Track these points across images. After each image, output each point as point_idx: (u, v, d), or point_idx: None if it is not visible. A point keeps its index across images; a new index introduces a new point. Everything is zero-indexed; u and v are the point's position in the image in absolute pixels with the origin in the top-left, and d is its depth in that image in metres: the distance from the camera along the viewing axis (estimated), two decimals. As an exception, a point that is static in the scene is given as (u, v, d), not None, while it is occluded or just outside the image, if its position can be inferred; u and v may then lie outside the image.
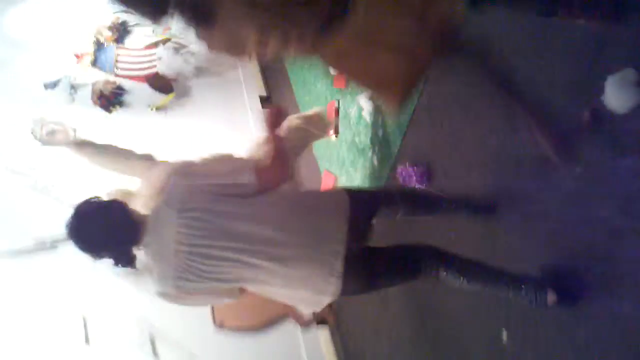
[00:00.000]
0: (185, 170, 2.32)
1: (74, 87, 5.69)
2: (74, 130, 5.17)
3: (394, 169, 3.42)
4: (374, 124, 3.75)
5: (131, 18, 6.60)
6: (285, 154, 2.31)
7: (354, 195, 2.33)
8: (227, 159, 2.39)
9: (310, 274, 2.11)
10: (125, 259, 2.26)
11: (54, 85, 5.57)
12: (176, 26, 6.57)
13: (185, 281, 2.13)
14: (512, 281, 2.19)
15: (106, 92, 5.63)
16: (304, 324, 3.43)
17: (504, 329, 2.50)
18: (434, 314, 3.12)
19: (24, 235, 4.31)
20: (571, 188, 2.11)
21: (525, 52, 2.36)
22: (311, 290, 2.15)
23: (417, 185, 3.08)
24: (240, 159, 2.39)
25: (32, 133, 5.02)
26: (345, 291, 2.15)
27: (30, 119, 5.07)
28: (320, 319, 4.22)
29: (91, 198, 2.33)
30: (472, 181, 2.73)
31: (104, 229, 2.21)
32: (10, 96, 5.39)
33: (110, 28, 6.38)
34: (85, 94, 5.68)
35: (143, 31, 6.52)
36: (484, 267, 2.29)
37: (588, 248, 2.05)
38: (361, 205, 2.31)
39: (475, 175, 2.71)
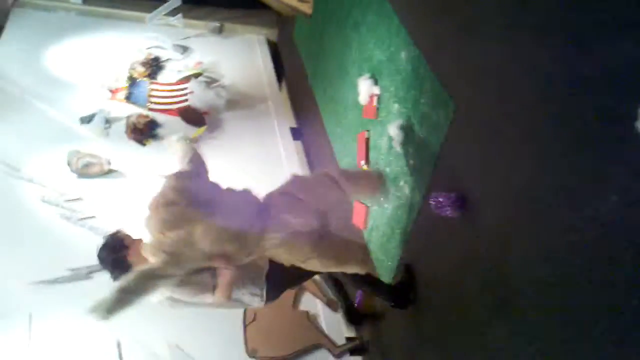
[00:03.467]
0: None
1: (108, 121, 5.82)
2: (109, 163, 5.32)
3: (426, 198, 3.42)
4: (405, 154, 3.75)
5: (163, 54, 6.78)
6: None
7: None
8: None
9: None
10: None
11: (89, 119, 5.71)
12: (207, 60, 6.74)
13: None
14: None
15: (140, 126, 5.74)
16: (338, 354, 3.43)
17: None
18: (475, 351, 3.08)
19: (60, 265, 4.38)
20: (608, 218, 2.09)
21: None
22: None
23: (450, 214, 3.05)
24: None
25: (68, 165, 5.18)
26: None
27: (66, 152, 5.24)
28: (353, 349, 4.21)
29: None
30: (506, 211, 2.71)
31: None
32: (47, 130, 5.55)
33: (143, 64, 6.55)
34: (120, 127, 5.81)
35: (175, 66, 6.68)
36: None
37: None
38: None
39: (509, 206, 2.70)
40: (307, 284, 4.61)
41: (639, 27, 1.92)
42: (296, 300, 4.56)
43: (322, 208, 3.35)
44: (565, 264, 2.20)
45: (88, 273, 4.36)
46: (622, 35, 1.98)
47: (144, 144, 5.71)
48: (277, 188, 3.31)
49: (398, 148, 3.81)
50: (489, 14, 2.90)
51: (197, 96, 6.20)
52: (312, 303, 4.61)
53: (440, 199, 3.08)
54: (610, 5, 2.06)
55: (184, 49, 7.00)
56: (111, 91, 6.24)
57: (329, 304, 4.59)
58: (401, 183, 3.76)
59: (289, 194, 3.26)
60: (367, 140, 4.33)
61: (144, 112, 6.07)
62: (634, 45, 1.92)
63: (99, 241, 2.95)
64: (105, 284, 4.26)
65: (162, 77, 6.56)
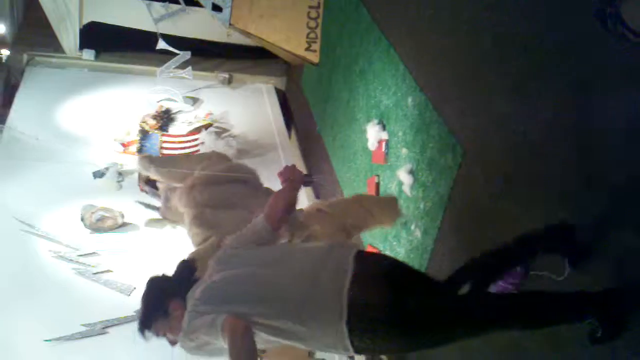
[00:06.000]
0: None
1: (121, 175, 5.87)
2: (122, 216, 5.35)
3: (437, 241, 3.43)
4: (415, 198, 3.77)
5: (174, 106, 6.88)
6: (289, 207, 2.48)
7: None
8: None
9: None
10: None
11: (101, 174, 5.76)
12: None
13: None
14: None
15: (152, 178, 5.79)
16: None
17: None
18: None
19: (75, 321, 4.37)
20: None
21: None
22: None
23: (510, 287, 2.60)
24: None
25: (81, 220, 5.22)
26: None
27: (80, 206, 5.28)
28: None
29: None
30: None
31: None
32: (61, 185, 5.60)
33: (154, 117, 6.64)
34: (132, 180, 5.86)
35: (186, 118, 6.77)
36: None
37: None
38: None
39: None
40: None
41: None
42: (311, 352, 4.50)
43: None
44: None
45: (103, 328, 4.35)
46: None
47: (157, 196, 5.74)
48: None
49: (408, 192, 3.83)
50: (493, 62, 2.95)
51: (208, 147, 6.26)
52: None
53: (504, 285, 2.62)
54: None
55: (194, 101, 7.10)
56: (123, 145, 6.31)
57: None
58: (412, 227, 3.76)
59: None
60: (378, 185, 4.35)
61: (156, 164, 6.13)
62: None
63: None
64: (120, 338, 4.30)
65: (173, 129, 6.63)
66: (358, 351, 2.04)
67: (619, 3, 1.44)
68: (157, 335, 2.35)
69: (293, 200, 2.55)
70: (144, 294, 2.41)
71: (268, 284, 2.16)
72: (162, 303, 2.32)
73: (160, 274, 2.48)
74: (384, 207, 3.68)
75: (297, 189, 2.57)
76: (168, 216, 4.25)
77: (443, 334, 2.09)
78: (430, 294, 2.14)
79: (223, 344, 2.07)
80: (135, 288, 4.62)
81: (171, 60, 6.66)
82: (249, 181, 3.67)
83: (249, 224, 2.44)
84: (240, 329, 2.04)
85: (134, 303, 3.66)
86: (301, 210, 3.48)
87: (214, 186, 3.45)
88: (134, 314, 4.44)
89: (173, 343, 2.36)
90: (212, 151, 3.89)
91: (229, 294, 2.18)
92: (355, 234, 3.67)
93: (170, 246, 4.46)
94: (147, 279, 2.46)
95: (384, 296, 2.00)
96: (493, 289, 2.54)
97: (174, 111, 6.86)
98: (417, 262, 3.66)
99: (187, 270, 2.46)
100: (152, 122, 6.57)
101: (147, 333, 2.35)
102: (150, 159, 3.88)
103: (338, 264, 2.11)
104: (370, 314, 1.98)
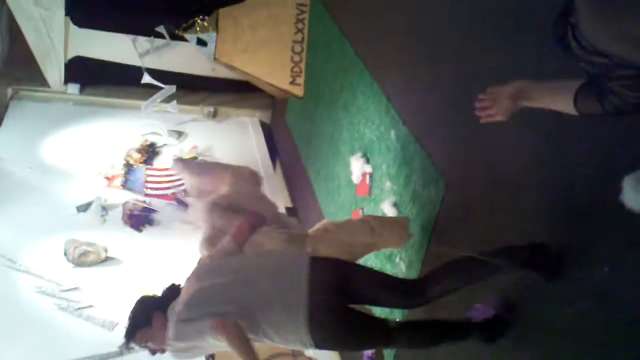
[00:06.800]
0: None
1: (105, 209, 5.85)
2: (105, 250, 5.31)
3: (421, 274, 3.43)
4: (399, 230, 3.78)
5: (159, 139, 6.88)
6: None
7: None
8: None
9: None
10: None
11: (85, 208, 5.74)
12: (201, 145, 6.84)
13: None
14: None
15: (136, 212, 5.77)
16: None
17: None
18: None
19: (56, 356, 4.31)
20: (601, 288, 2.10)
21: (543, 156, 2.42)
22: None
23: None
24: None
25: (65, 255, 5.18)
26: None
27: (63, 241, 5.24)
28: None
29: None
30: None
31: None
32: (44, 220, 5.56)
33: (139, 150, 6.64)
34: (116, 214, 5.84)
35: (171, 151, 6.77)
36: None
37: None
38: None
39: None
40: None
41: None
42: None
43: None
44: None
45: (85, 364, 4.31)
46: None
47: (140, 230, 5.72)
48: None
49: (392, 225, 3.84)
50: (477, 94, 2.99)
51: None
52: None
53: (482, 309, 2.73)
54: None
55: (179, 134, 7.12)
56: (107, 178, 6.29)
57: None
58: (397, 260, 3.76)
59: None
60: (362, 218, 4.36)
61: (140, 197, 6.12)
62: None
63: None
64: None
65: (158, 162, 6.63)
66: (318, 346, 2.48)
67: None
68: (140, 344, 2.63)
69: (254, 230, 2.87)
70: (131, 309, 2.68)
71: (237, 290, 2.51)
72: (146, 315, 2.61)
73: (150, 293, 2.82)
74: (392, 228, 3.60)
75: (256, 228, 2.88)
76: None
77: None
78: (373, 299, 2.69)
79: (215, 342, 2.43)
80: (118, 323, 4.56)
81: (156, 94, 6.68)
82: (266, 218, 3.64)
83: (220, 246, 2.78)
84: (229, 324, 2.39)
85: (117, 339, 3.63)
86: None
87: (233, 214, 3.41)
88: (117, 349, 4.40)
89: (153, 352, 2.65)
90: (246, 167, 3.84)
91: (207, 301, 2.50)
92: (362, 256, 3.62)
93: (153, 281, 4.42)
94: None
95: (332, 301, 2.45)
96: (475, 315, 2.71)
97: (158, 145, 6.87)
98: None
99: (174, 290, 2.72)
100: (137, 155, 6.58)
101: (131, 343, 2.64)
102: (184, 163, 3.92)
103: (296, 270, 2.52)
104: (323, 315, 2.41)
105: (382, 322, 2.74)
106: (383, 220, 3.60)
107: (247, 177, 3.74)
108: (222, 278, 2.58)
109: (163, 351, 2.63)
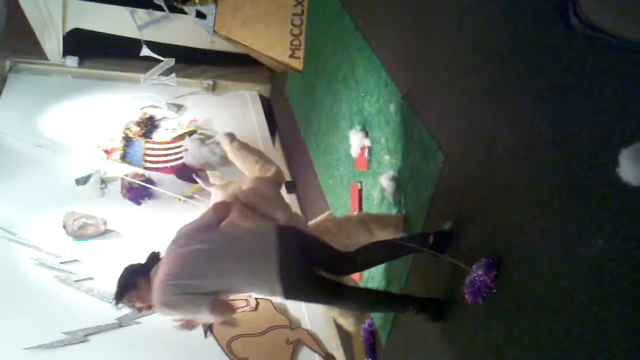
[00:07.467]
0: None
1: (104, 182, 5.86)
2: (105, 223, 5.33)
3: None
4: (397, 204, 3.79)
5: (158, 113, 6.87)
6: None
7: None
8: None
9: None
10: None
11: (85, 180, 5.74)
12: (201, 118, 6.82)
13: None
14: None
15: (135, 185, 5.78)
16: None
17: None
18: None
19: (55, 328, 4.34)
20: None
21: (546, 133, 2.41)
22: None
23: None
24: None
25: (64, 227, 5.19)
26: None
27: (62, 213, 5.25)
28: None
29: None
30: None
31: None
32: (43, 192, 5.57)
33: (138, 123, 6.63)
34: (115, 187, 5.84)
35: (170, 124, 6.76)
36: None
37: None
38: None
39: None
40: (305, 337, 4.57)
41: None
42: (294, 357, 4.51)
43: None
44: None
45: (84, 335, 4.32)
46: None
47: (139, 203, 5.73)
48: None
49: (390, 199, 3.85)
50: (476, 67, 2.98)
51: (191, 153, 6.25)
52: (309, 357, 4.57)
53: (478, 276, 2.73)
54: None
55: (178, 107, 7.10)
56: (106, 151, 6.29)
57: (327, 358, 4.53)
58: (394, 234, 3.76)
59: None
60: (360, 191, 4.37)
61: (140, 171, 6.12)
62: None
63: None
64: (101, 346, 4.28)
65: (157, 135, 6.62)
66: (286, 295, 2.93)
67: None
68: (129, 304, 3.03)
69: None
70: (118, 276, 3.04)
71: (221, 258, 2.91)
72: (132, 279, 2.99)
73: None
74: (386, 228, 3.69)
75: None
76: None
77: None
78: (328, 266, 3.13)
79: (208, 318, 2.92)
80: (117, 295, 4.59)
81: (155, 67, 6.66)
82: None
83: (200, 217, 3.20)
84: (230, 308, 3.10)
85: (116, 311, 3.66)
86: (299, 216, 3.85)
87: (251, 213, 3.46)
88: (116, 321, 4.43)
89: (139, 310, 3.07)
90: (275, 163, 3.96)
91: (196, 270, 2.87)
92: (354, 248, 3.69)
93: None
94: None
95: (299, 263, 2.95)
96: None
97: (157, 118, 6.86)
98: (399, 268, 3.68)
99: (153, 256, 3.09)
100: (136, 129, 6.57)
101: (120, 304, 3.01)
102: (232, 137, 4.09)
103: (267, 232, 3.01)
104: (291, 275, 2.89)
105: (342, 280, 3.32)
106: (379, 220, 3.70)
107: (272, 175, 3.78)
108: (203, 245, 2.95)
109: (149, 308, 2.98)
